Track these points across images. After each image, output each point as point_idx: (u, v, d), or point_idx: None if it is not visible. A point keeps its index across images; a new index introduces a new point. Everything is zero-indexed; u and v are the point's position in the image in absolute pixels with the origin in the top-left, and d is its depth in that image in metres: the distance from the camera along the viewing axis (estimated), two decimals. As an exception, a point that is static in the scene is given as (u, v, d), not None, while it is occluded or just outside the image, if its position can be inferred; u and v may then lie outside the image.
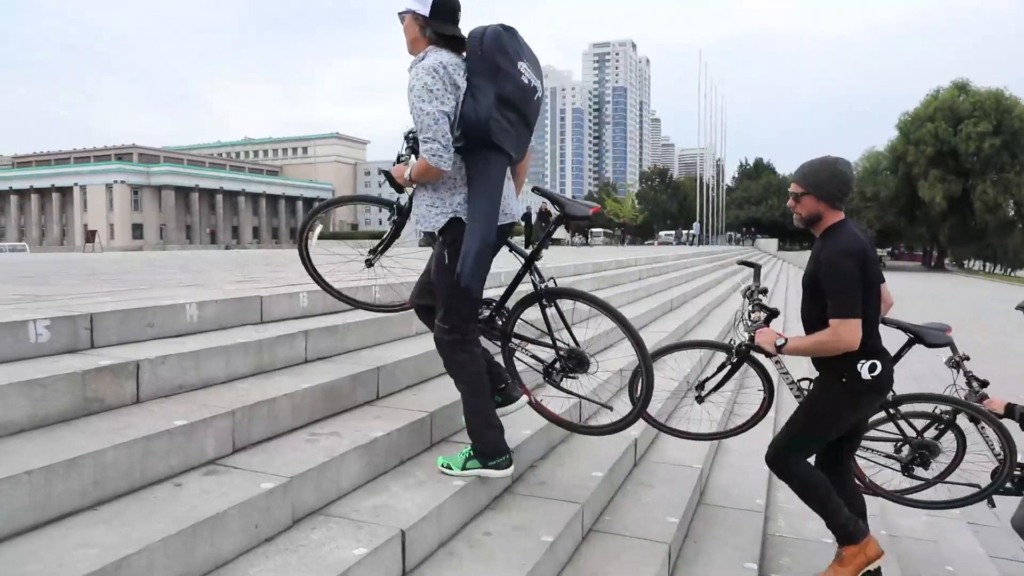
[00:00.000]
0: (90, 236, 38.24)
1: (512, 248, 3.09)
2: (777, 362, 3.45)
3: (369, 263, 3.43)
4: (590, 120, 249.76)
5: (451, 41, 2.72)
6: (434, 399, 3.41)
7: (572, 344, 3.09)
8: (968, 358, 3.81)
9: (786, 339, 3.03)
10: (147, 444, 2.20)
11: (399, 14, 2.77)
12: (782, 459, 3.12)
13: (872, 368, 2.89)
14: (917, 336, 3.49)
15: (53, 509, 1.93)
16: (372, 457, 2.74)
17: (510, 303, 3.19)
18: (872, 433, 3.61)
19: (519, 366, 3.24)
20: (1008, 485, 3.70)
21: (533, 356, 3.20)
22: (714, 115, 58.86)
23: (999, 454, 3.51)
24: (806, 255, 3.81)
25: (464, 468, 2.84)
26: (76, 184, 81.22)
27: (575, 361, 3.08)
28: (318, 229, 3.59)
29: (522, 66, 2.68)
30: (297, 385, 2.92)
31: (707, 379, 3.67)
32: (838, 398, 2.97)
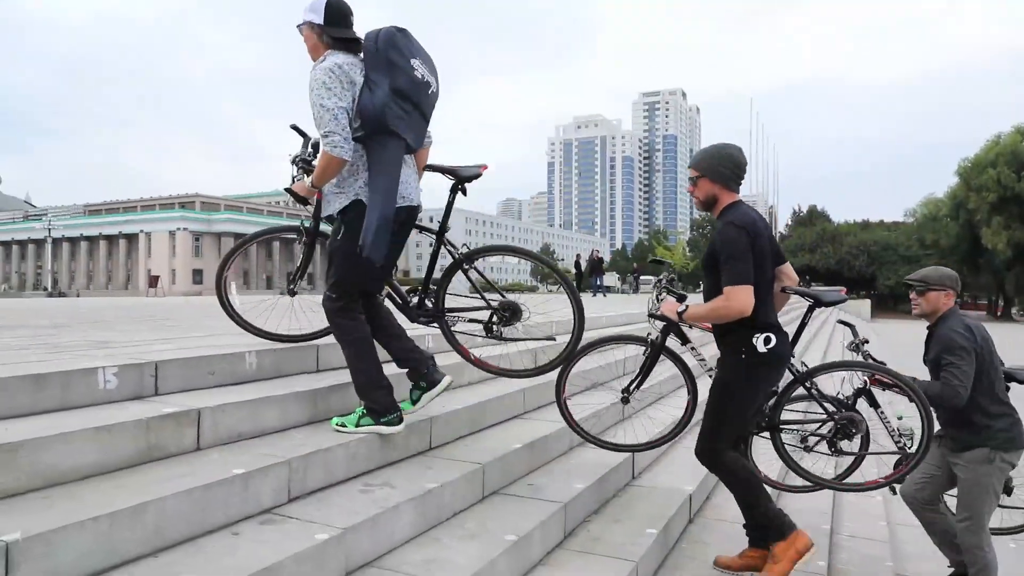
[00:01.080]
0: (153, 281, 39.70)
1: (422, 230, 3.36)
2: (692, 348, 3.62)
3: (291, 292, 3.65)
4: (640, 168, 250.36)
5: (347, 43, 2.97)
6: (487, 450, 3.40)
7: (502, 297, 3.38)
8: (867, 341, 3.95)
9: (687, 307, 3.23)
10: (207, 493, 2.24)
11: (298, 27, 3.05)
12: (708, 449, 3.20)
13: (767, 341, 3.04)
14: (816, 299, 3.48)
15: (116, 555, 1.96)
16: (425, 509, 2.73)
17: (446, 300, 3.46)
18: (796, 416, 3.59)
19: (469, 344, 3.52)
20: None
21: (471, 321, 3.44)
22: (766, 162, 58.70)
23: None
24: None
25: (358, 426, 2.98)
26: (142, 231, 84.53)
27: (509, 312, 3.35)
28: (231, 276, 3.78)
29: (415, 62, 2.94)
30: (351, 435, 2.94)
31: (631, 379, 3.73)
32: (740, 374, 3.11)
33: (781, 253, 3.29)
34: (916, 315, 3.86)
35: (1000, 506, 3.80)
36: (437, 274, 3.49)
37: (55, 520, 1.87)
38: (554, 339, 3.67)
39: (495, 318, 3.37)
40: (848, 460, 3.61)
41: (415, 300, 3.42)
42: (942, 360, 3.57)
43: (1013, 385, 3.79)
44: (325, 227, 3.31)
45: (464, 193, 3.41)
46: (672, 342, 3.62)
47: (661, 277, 3.63)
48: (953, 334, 3.57)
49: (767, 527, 3.13)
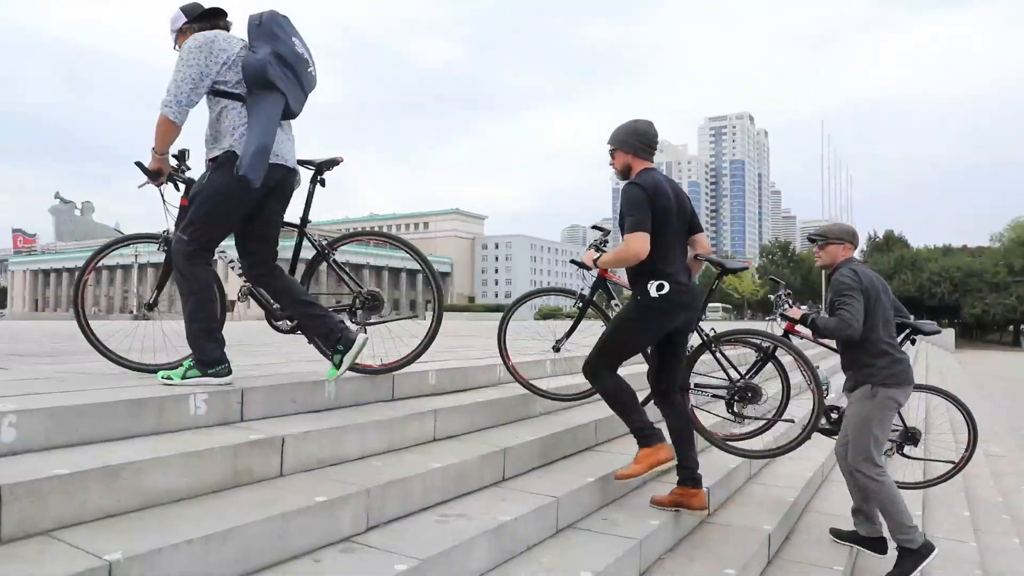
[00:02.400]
0: (230, 306, 41.15)
1: (285, 224, 3.51)
2: (616, 305, 4.14)
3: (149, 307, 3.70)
4: (707, 193, 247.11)
5: (212, 18, 3.24)
6: (561, 483, 3.38)
7: (361, 289, 3.60)
8: (791, 293, 4.42)
9: (600, 255, 3.75)
10: (291, 519, 2.29)
11: (173, 38, 3.27)
12: (593, 367, 3.56)
13: (660, 287, 3.40)
14: (723, 267, 4.08)
15: (206, 579, 2.03)
16: (500, 542, 2.73)
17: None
18: (704, 380, 4.05)
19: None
20: (825, 424, 4.44)
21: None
22: (839, 185, 57.01)
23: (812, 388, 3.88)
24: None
25: (185, 377, 3.05)
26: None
27: (372, 299, 3.58)
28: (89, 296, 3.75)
29: (295, 40, 3.19)
30: (427, 464, 2.98)
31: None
32: (632, 313, 3.54)
33: (696, 223, 3.70)
34: (818, 267, 4.36)
35: (905, 456, 4.50)
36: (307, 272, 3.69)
37: (153, 541, 1.96)
38: (416, 316, 3.89)
39: (357, 306, 3.56)
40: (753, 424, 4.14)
41: (277, 304, 3.53)
42: (835, 302, 3.93)
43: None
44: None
45: (323, 184, 3.56)
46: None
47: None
48: (842, 277, 3.95)
49: (641, 435, 3.48)
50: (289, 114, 3.23)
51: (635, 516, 3.42)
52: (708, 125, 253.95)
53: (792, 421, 4.18)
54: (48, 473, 2.04)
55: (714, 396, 4.02)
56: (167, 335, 3.66)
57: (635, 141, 3.55)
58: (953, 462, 4.77)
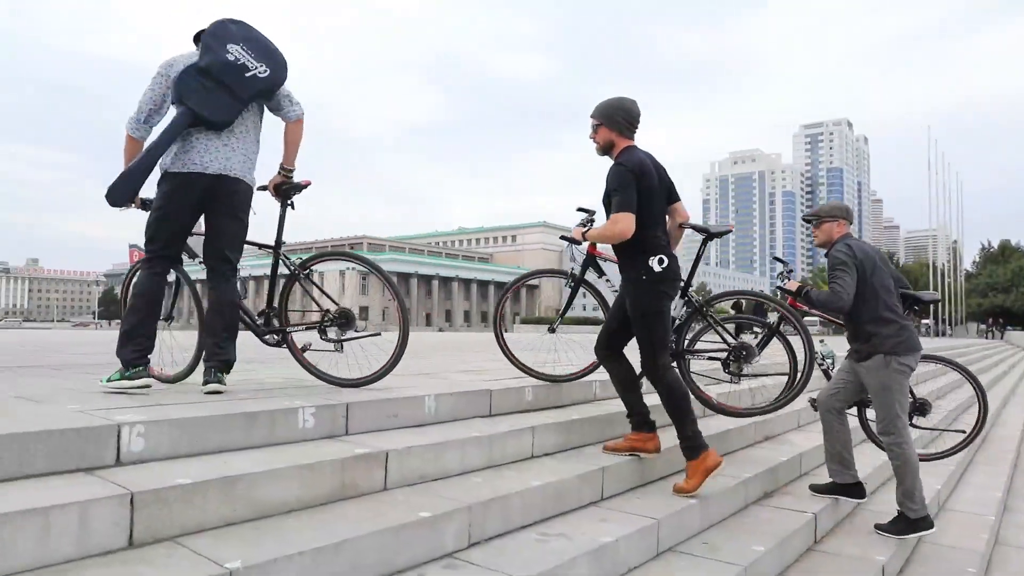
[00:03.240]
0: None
1: (260, 246, 3.65)
2: (607, 280, 4.23)
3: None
4: (803, 203, 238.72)
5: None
6: (661, 504, 3.31)
7: (337, 305, 3.65)
8: (791, 271, 4.67)
9: (588, 229, 3.83)
10: (397, 534, 2.33)
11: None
12: (652, 367, 3.58)
13: (661, 262, 3.53)
14: (708, 232, 4.17)
15: (317, 590, 2.08)
16: (600, 564, 2.69)
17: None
18: (699, 346, 4.32)
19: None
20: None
21: (308, 328, 3.68)
22: (946, 192, 53.92)
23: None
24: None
25: (110, 380, 3.19)
26: (316, 271, 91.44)
27: (343, 319, 3.59)
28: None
29: (230, 47, 3.28)
30: (527, 482, 2.97)
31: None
32: (647, 296, 3.55)
33: (674, 192, 3.78)
34: (816, 246, 4.37)
35: (915, 427, 4.52)
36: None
37: (269, 551, 2.03)
38: (379, 334, 3.71)
39: (327, 323, 3.58)
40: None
41: (262, 320, 3.63)
42: (829, 276, 4.09)
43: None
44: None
45: (292, 207, 3.62)
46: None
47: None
48: (837, 253, 4.09)
49: (689, 446, 3.51)
50: (210, 123, 3.29)
51: (737, 540, 3.31)
52: (803, 133, 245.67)
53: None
54: (173, 482, 2.15)
55: (710, 358, 4.25)
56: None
57: (621, 118, 3.63)
58: (964, 432, 4.77)
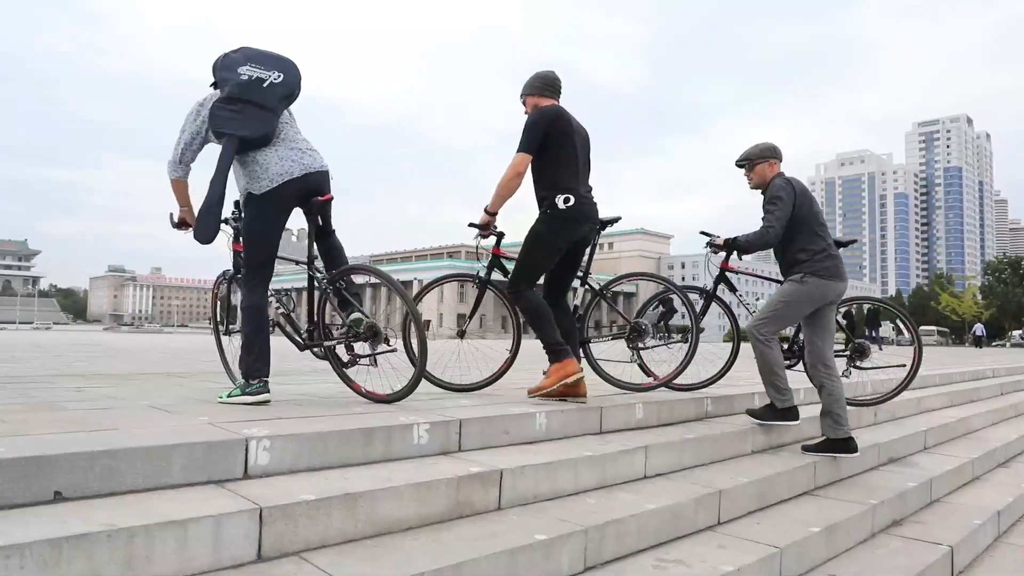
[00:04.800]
0: (425, 324, 43.61)
1: (297, 263, 3.70)
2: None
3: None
4: (917, 205, 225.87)
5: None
6: (781, 531, 3.14)
7: (366, 318, 3.51)
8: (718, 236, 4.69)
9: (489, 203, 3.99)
10: (513, 556, 2.30)
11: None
12: (515, 286, 3.92)
13: (567, 200, 3.82)
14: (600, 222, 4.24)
15: (439, 612, 2.08)
16: (722, 594, 2.57)
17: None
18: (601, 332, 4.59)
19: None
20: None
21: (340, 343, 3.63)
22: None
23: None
24: None
25: (230, 396, 3.37)
26: (415, 279, 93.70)
27: (371, 332, 3.49)
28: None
29: (242, 69, 3.43)
30: (641, 504, 2.89)
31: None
32: (543, 227, 3.89)
33: (584, 140, 4.04)
34: (751, 188, 4.47)
35: (858, 367, 4.78)
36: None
37: (389, 571, 2.04)
38: (395, 350, 3.59)
39: (352, 337, 3.54)
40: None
41: (305, 332, 3.69)
42: (765, 209, 4.22)
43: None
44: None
45: (320, 222, 3.63)
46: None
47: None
48: (772, 187, 4.25)
49: (552, 351, 3.82)
50: (255, 142, 3.42)
51: (869, 574, 3.10)
52: (917, 131, 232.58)
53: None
54: (299, 498, 2.20)
55: (613, 338, 4.46)
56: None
57: (539, 83, 4.03)
58: (905, 365, 4.87)
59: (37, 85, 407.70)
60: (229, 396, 3.40)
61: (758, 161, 4.42)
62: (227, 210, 3.75)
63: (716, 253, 4.69)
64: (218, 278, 4.21)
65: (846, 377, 4.41)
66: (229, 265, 4.13)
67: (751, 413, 4.31)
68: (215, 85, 3.52)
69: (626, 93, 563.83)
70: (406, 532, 2.40)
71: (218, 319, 4.27)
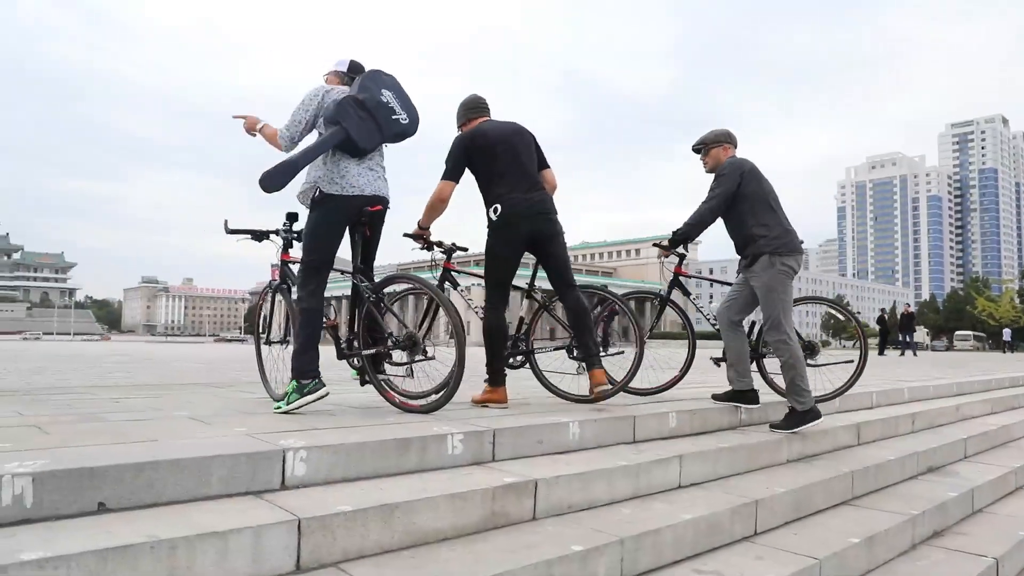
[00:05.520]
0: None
1: (343, 272, 3.83)
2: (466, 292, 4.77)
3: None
4: (951, 207, 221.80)
5: (352, 72, 3.93)
6: (819, 542, 3.09)
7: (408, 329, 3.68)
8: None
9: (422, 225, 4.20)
10: (550, 567, 2.29)
11: (324, 76, 3.96)
12: (486, 302, 4.09)
13: (495, 210, 3.98)
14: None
15: (476, 624, 2.07)
16: (762, 607, 2.54)
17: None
18: (540, 345, 4.48)
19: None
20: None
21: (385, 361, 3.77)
22: None
23: None
24: None
25: (289, 403, 3.45)
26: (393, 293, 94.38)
27: (411, 343, 3.62)
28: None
29: (385, 93, 3.71)
30: (677, 515, 2.86)
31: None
32: (488, 241, 4.06)
33: (543, 160, 4.25)
34: (706, 172, 4.60)
35: (812, 365, 4.57)
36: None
37: (427, 583, 2.04)
38: (433, 357, 3.64)
39: (391, 346, 3.66)
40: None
41: (344, 341, 3.81)
42: (710, 188, 4.40)
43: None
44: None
45: (368, 233, 3.77)
46: None
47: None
48: (722, 168, 4.43)
49: (491, 372, 4.01)
50: (356, 150, 3.62)
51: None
52: (950, 132, 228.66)
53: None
54: (336, 509, 2.21)
55: (556, 349, 4.40)
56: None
57: (464, 110, 4.25)
58: (852, 360, 4.88)
59: (74, 101, 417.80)
60: (288, 404, 3.46)
61: (713, 145, 4.59)
62: (278, 221, 3.98)
63: (667, 257, 4.81)
64: (264, 289, 4.28)
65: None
66: (262, 277, 4.21)
67: (775, 427, 4.25)
68: (346, 77, 3.87)
69: (650, 97, 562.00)
70: (442, 543, 2.40)
71: (260, 330, 4.32)
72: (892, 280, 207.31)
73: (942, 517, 3.95)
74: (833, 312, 5.10)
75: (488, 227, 4.04)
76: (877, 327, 25.83)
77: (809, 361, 4.54)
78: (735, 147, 4.62)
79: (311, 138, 3.75)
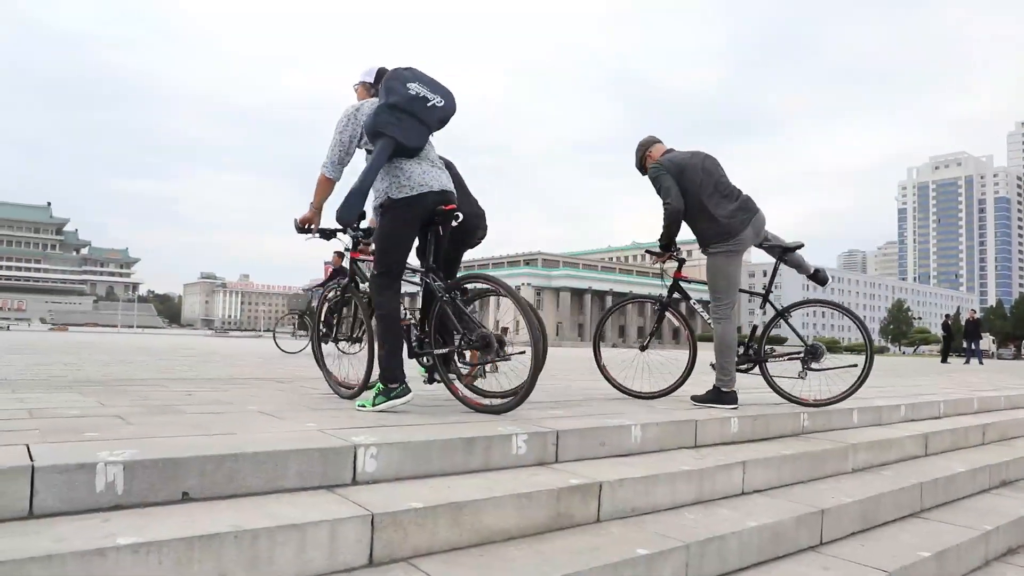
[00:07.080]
0: (503, 331, 43.93)
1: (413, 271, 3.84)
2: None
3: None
4: (1020, 209, 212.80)
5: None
6: (888, 554, 3.03)
7: (482, 329, 3.57)
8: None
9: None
10: (616, 570, 2.30)
11: (354, 86, 4.02)
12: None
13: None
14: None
15: (544, 623, 2.09)
16: (831, 618, 2.50)
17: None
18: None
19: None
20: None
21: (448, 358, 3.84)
22: None
23: None
24: None
25: (374, 404, 3.50)
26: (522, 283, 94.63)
27: (484, 342, 3.54)
28: None
29: (411, 85, 3.66)
30: (742, 522, 2.83)
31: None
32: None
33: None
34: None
35: (812, 369, 4.56)
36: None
37: (497, 581, 2.07)
38: (509, 358, 3.57)
39: (462, 347, 3.65)
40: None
41: (416, 340, 3.83)
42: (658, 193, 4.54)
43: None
44: None
45: (441, 232, 3.76)
46: None
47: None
48: (650, 171, 4.61)
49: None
50: (408, 150, 3.64)
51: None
52: (1020, 131, 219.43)
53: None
54: (407, 505, 2.26)
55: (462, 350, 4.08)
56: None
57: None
58: (856, 364, 4.72)
59: (139, 104, 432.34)
60: (374, 403, 3.53)
61: (644, 158, 4.75)
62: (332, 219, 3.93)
63: (664, 263, 4.88)
64: (330, 286, 4.38)
65: (801, 378, 4.51)
66: (316, 275, 4.33)
67: (695, 399, 4.43)
68: (373, 88, 3.89)
69: (702, 96, 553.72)
70: (508, 542, 2.43)
71: (321, 329, 4.42)
72: (956, 285, 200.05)
73: (1017, 533, 3.82)
74: (849, 318, 4.84)
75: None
76: (941, 333, 24.98)
77: (813, 365, 4.61)
78: (659, 142, 4.77)
79: (360, 158, 3.79)
